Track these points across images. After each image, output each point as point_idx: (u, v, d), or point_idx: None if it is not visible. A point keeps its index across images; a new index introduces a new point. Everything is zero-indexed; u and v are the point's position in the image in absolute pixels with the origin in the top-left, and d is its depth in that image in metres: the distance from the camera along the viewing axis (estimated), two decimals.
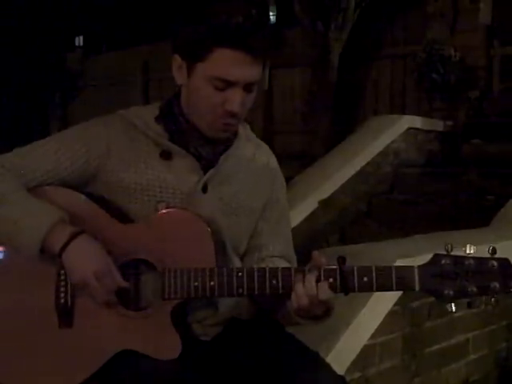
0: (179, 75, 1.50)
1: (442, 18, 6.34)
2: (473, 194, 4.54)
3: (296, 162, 5.36)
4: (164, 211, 1.48)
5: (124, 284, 1.43)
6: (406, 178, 5.14)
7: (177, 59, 1.49)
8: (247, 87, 1.45)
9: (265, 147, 1.69)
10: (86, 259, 1.40)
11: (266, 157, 1.66)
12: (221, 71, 1.42)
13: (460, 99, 6.01)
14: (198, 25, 1.44)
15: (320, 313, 1.42)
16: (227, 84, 1.43)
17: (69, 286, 1.46)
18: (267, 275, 1.40)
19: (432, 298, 2.58)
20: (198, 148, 1.53)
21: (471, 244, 1.36)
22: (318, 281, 1.37)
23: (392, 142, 5.15)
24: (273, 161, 1.68)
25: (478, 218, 3.99)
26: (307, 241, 4.24)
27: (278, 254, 1.62)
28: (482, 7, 6.27)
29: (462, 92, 5.99)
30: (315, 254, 1.41)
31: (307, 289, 1.37)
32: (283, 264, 1.58)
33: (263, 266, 1.53)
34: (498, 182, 4.57)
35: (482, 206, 4.30)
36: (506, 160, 4.79)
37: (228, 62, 1.41)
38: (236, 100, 1.44)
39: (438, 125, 5.68)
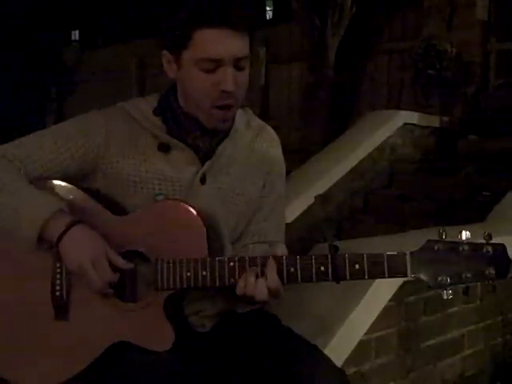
0: (170, 69, 1.51)
1: (439, 13, 6.34)
2: (469, 189, 4.55)
3: (292, 158, 5.34)
4: (156, 202, 1.48)
5: (126, 265, 1.43)
6: (402, 174, 5.15)
7: (165, 54, 1.50)
8: (237, 64, 1.44)
9: (268, 131, 1.67)
10: (82, 247, 1.41)
11: (265, 143, 1.65)
12: (205, 52, 1.42)
13: (456, 95, 6.02)
14: (173, 13, 1.45)
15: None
16: (215, 64, 1.43)
17: (64, 278, 1.47)
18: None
19: (427, 293, 2.61)
20: (196, 140, 1.53)
21: (466, 230, 1.33)
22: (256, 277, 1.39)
23: (388, 137, 5.16)
24: (273, 147, 1.66)
25: (474, 213, 4.00)
26: (304, 236, 4.24)
27: (263, 239, 1.62)
28: (479, 3, 6.27)
29: (458, 88, 6.00)
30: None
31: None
32: (262, 249, 1.58)
33: (245, 251, 1.56)
34: (494, 177, 4.58)
35: (478, 202, 4.31)
36: (503, 156, 4.79)
37: (210, 41, 1.41)
38: (228, 78, 1.43)
39: (435, 120, 5.69)
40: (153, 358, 1.40)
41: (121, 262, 1.43)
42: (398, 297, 2.46)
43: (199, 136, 1.53)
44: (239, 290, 1.41)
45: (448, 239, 1.34)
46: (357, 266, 1.37)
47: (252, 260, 1.41)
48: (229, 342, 1.53)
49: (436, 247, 1.33)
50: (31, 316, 1.48)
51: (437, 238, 1.34)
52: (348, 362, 2.27)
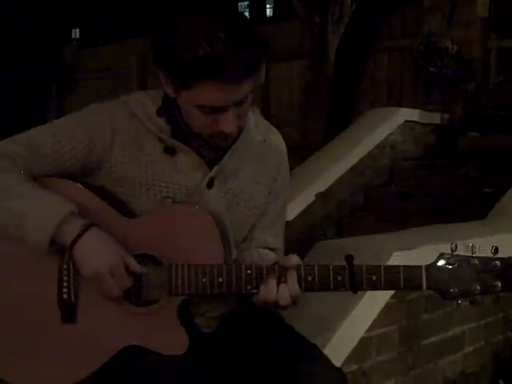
0: (168, 89, 1.43)
1: (439, 10, 6.33)
2: (470, 186, 4.54)
3: (293, 155, 5.34)
4: (169, 205, 1.46)
5: (141, 270, 1.41)
6: (403, 171, 5.14)
7: (161, 74, 1.41)
8: (238, 104, 1.39)
9: (275, 133, 1.66)
10: (99, 253, 1.38)
11: (275, 144, 1.63)
12: (204, 101, 1.35)
13: (457, 92, 6.01)
14: (168, 56, 1.34)
15: None
16: (214, 109, 1.37)
17: (72, 280, 1.44)
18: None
19: (428, 291, 2.60)
20: (200, 148, 1.50)
21: (474, 244, 1.40)
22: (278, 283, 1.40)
23: (389, 134, 5.15)
24: (282, 150, 1.65)
25: (474, 210, 4.00)
26: (304, 234, 4.24)
27: (266, 245, 1.63)
28: (479, 0, 6.26)
29: (459, 85, 5.99)
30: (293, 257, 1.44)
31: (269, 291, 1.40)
32: (269, 255, 1.60)
33: (247, 255, 1.57)
34: (495, 174, 4.57)
35: (479, 199, 4.30)
36: (503, 153, 4.79)
37: (210, 92, 1.33)
38: (228, 121, 1.38)
39: (435, 118, 5.68)
40: (158, 358, 1.40)
41: (137, 268, 1.40)
42: (400, 294, 2.46)
43: (202, 145, 1.49)
44: (262, 296, 1.41)
45: (459, 253, 1.41)
46: (374, 277, 1.40)
47: (270, 268, 1.41)
48: (232, 341, 1.53)
49: (448, 261, 1.41)
50: (36, 318, 1.45)
51: (449, 252, 1.41)
52: (349, 359, 2.27)
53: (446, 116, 5.75)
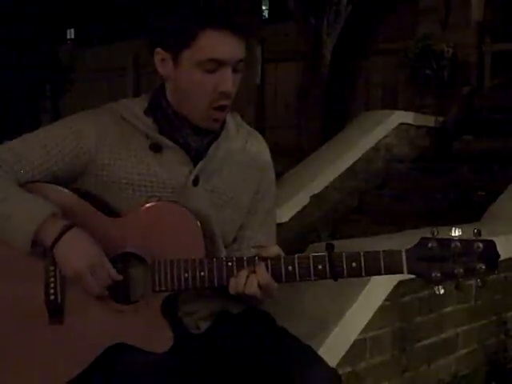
0: (164, 68, 1.50)
1: (434, 13, 6.36)
2: (464, 189, 4.56)
3: (287, 158, 5.36)
4: (150, 204, 1.47)
5: (117, 277, 1.43)
6: (397, 174, 5.15)
7: (159, 52, 1.49)
8: (235, 66, 1.47)
9: (257, 136, 1.68)
10: (79, 252, 1.40)
11: (256, 147, 1.65)
12: (210, 53, 1.44)
13: (452, 95, 6.03)
14: (178, 13, 1.46)
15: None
16: (218, 64, 1.45)
17: (58, 281, 1.46)
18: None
19: (422, 293, 2.60)
20: (187, 139, 1.52)
21: (457, 227, 1.37)
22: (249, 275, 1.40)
23: (384, 137, 5.16)
24: (264, 151, 1.67)
25: (468, 213, 4.01)
26: (298, 236, 4.24)
27: (258, 244, 1.63)
28: (474, 3, 6.29)
29: (453, 88, 6.02)
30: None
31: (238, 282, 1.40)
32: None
33: (239, 255, 1.54)
34: (489, 177, 4.59)
35: (473, 202, 4.32)
36: (497, 156, 4.81)
37: (215, 43, 1.43)
38: (228, 79, 1.46)
39: (430, 120, 5.70)
40: (148, 358, 1.40)
41: (114, 274, 1.42)
42: (393, 296, 2.47)
43: (190, 134, 1.52)
44: (231, 289, 1.41)
45: (441, 236, 1.37)
46: (354, 264, 1.39)
47: (250, 260, 1.42)
48: (223, 342, 1.53)
49: (430, 244, 1.37)
50: (24, 321, 1.46)
51: (430, 236, 1.38)
52: (343, 361, 2.27)
53: (441, 119, 5.77)
